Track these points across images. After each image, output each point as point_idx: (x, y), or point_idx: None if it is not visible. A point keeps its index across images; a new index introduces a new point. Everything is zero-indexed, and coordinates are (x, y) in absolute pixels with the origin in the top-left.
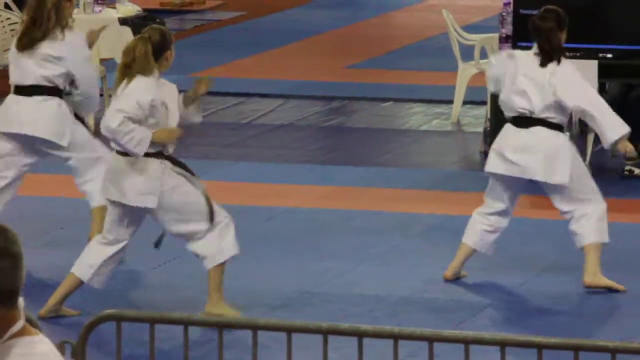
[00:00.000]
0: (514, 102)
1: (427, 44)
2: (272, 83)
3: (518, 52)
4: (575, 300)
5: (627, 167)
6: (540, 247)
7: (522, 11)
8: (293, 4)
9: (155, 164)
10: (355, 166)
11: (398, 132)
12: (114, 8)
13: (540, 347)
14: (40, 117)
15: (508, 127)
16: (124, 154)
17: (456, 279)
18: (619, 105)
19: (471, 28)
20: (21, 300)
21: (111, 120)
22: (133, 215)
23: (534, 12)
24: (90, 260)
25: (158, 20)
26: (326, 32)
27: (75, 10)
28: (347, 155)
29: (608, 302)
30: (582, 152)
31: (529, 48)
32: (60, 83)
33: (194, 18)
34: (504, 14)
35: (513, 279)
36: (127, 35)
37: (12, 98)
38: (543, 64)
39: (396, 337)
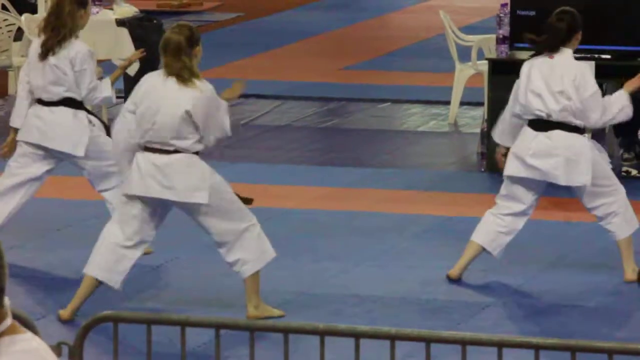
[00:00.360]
0: (532, 105)
1: (425, 45)
2: (269, 84)
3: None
4: (573, 301)
5: (625, 168)
6: (538, 248)
7: (519, 12)
8: (291, 5)
9: (201, 160)
10: (352, 167)
11: (395, 133)
12: (111, 9)
13: (537, 348)
14: (55, 128)
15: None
16: (163, 151)
17: (455, 280)
18: None
19: (468, 29)
20: (7, 300)
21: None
22: (164, 213)
23: (531, 13)
24: (121, 267)
25: (155, 21)
26: (324, 33)
27: None
28: (344, 156)
29: (606, 302)
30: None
31: (525, 49)
32: (75, 92)
33: (192, 19)
34: (501, 15)
35: (511, 280)
36: (124, 36)
37: (33, 107)
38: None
39: (393, 338)
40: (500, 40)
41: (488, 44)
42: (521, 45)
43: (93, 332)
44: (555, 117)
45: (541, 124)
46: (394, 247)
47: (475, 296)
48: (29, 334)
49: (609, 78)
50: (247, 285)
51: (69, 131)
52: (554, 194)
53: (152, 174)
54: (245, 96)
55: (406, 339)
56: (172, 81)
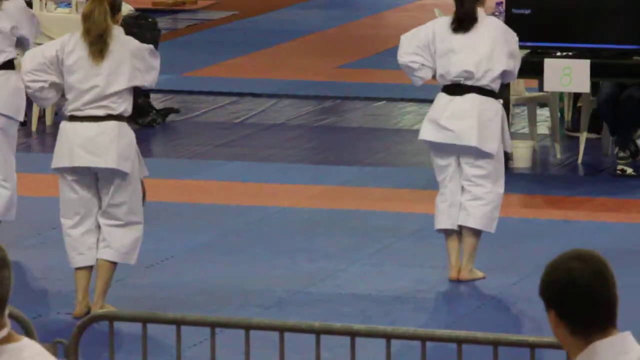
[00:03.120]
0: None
1: None
2: (264, 82)
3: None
4: None
5: (620, 167)
6: (533, 246)
7: (514, 10)
8: (285, 4)
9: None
10: (347, 166)
11: (390, 132)
12: None
13: (533, 346)
14: None
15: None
16: (97, 118)
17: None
18: (612, 105)
19: None
20: (7, 310)
21: None
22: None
23: (526, 11)
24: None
25: (150, 19)
26: (319, 32)
27: (67, 10)
28: (339, 154)
29: None
30: (575, 151)
31: (521, 48)
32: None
33: (187, 17)
34: (496, 13)
35: (506, 279)
36: None
37: None
38: (456, 30)
39: (389, 337)
40: None
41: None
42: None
43: (89, 331)
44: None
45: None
46: (390, 245)
47: (470, 294)
48: (24, 341)
49: (604, 77)
50: (100, 271)
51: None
52: (550, 192)
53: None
54: (240, 94)
55: (402, 337)
56: None
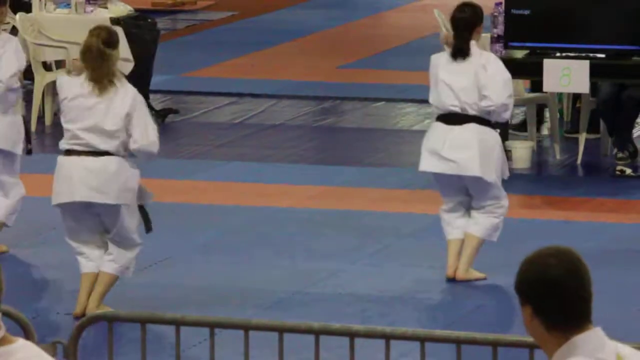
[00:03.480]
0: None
1: (419, 44)
2: (264, 83)
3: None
4: None
5: (619, 167)
6: (532, 246)
7: (513, 11)
8: (285, 4)
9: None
10: (347, 166)
11: (390, 132)
12: (106, 8)
13: (532, 347)
14: None
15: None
16: (98, 153)
17: (452, 280)
18: (611, 106)
19: None
20: None
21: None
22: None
23: (525, 11)
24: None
25: (150, 20)
26: (318, 32)
27: (67, 11)
28: (339, 155)
29: (599, 301)
30: (574, 152)
31: (521, 48)
32: None
33: (186, 18)
34: (495, 14)
35: (505, 279)
36: (119, 35)
37: None
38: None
39: (388, 337)
40: (494, 39)
41: (483, 43)
42: (516, 44)
43: (88, 331)
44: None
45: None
46: (389, 246)
47: (470, 295)
48: (19, 342)
49: (603, 77)
50: (101, 279)
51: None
52: (549, 193)
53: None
54: (240, 95)
55: (401, 338)
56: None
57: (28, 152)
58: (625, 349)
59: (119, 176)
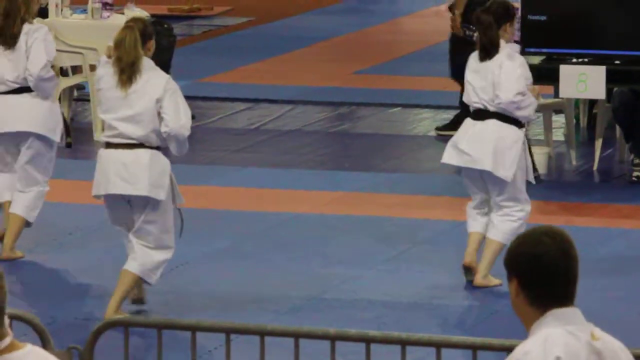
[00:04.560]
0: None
1: (435, 50)
2: (280, 89)
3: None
4: (582, 306)
5: (635, 174)
6: None
7: (530, 17)
8: (301, 10)
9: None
10: (363, 172)
11: (406, 138)
12: (122, 14)
13: None
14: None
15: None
16: (132, 145)
17: (466, 283)
18: (628, 111)
19: None
20: (6, 319)
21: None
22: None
23: (542, 17)
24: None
25: (166, 25)
26: (334, 38)
27: (83, 16)
28: (355, 160)
29: (615, 306)
30: (590, 158)
31: (537, 54)
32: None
33: (202, 24)
34: None
35: None
36: None
37: None
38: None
39: (404, 343)
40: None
41: None
42: (533, 49)
43: (104, 337)
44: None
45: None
46: (405, 252)
47: (486, 301)
48: (27, 348)
49: (619, 83)
50: (122, 279)
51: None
52: (565, 199)
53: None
54: (256, 101)
55: (417, 344)
56: None
57: (67, 145)
58: (600, 332)
59: (151, 169)
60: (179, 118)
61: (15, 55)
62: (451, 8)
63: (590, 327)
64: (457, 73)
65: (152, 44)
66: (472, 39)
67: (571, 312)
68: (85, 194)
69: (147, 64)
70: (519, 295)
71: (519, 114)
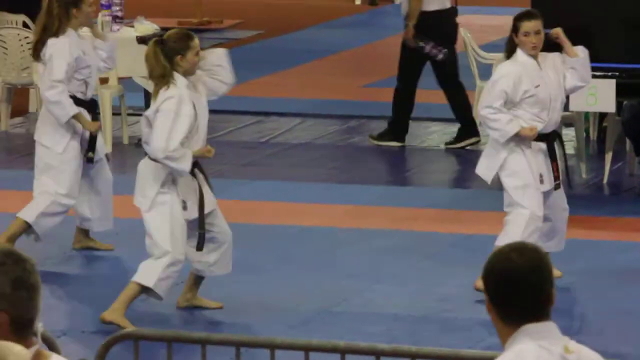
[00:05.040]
0: None
1: None
2: (289, 102)
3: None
4: (593, 320)
5: None
6: (558, 267)
7: None
8: (311, 23)
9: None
10: (372, 185)
11: (415, 151)
12: (132, 27)
13: None
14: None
15: None
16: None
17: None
18: (638, 125)
19: (489, 47)
20: (41, 326)
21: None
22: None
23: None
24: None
25: None
26: (343, 51)
27: None
28: (364, 174)
29: (627, 320)
30: (600, 171)
31: None
32: None
33: (212, 37)
34: None
35: None
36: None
37: None
38: None
39: (414, 356)
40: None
41: None
42: None
43: (114, 350)
44: None
45: None
46: (414, 265)
47: None
48: (53, 359)
49: (629, 96)
50: (129, 286)
51: None
52: (575, 212)
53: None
54: (266, 114)
55: (427, 357)
56: None
57: (89, 160)
58: (576, 345)
59: (140, 179)
60: (157, 140)
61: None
62: (406, 18)
63: (564, 340)
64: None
65: (180, 59)
66: (423, 50)
67: (544, 327)
68: None
69: (178, 80)
70: (491, 312)
71: (487, 128)
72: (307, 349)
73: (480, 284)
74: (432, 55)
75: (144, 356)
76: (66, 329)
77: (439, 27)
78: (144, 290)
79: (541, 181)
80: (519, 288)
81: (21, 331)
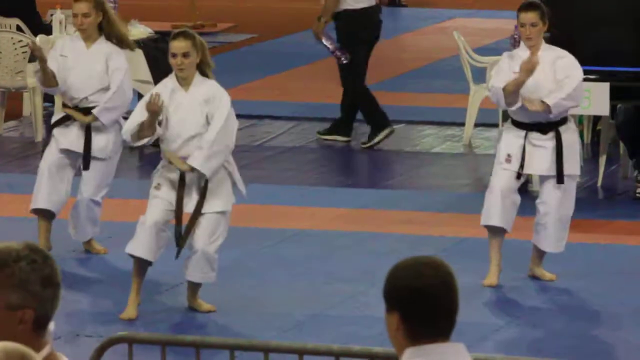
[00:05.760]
0: None
1: (439, 67)
2: (283, 105)
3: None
4: (586, 324)
5: (639, 190)
6: (552, 269)
7: None
8: (304, 27)
9: None
10: (366, 188)
11: (410, 155)
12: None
13: None
14: None
15: None
16: None
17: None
18: (631, 128)
19: (483, 50)
20: (52, 325)
21: None
22: None
23: (546, 35)
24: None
25: None
26: None
27: None
28: (358, 177)
29: (618, 323)
30: (594, 174)
31: None
32: None
33: (206, 40)
34: (515, 36)
35: (525, 301)
36: (138, 57)
37: None
38: None
39: None
40: None
41: None
42: None
43: (108, 353)
44: None
45: None
46: None
47: (489, 317)
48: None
49: (623, 100)
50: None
51: None
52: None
53: None
54: (259, 117)
55: None
56: None
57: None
58: None
59: None
60: None
61: None
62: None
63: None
64: None
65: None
66: (328, 49)
67: (452, 349)
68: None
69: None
70: (399, 329)
71: None
72: (301, 353)
73: (489, 281)
74: (336, 57)
75: (138, 359)
76: (60, 332)
77: (366, 25)
78: None
79: (508, 160)
80: (435, 305)
81: (40, 329)
